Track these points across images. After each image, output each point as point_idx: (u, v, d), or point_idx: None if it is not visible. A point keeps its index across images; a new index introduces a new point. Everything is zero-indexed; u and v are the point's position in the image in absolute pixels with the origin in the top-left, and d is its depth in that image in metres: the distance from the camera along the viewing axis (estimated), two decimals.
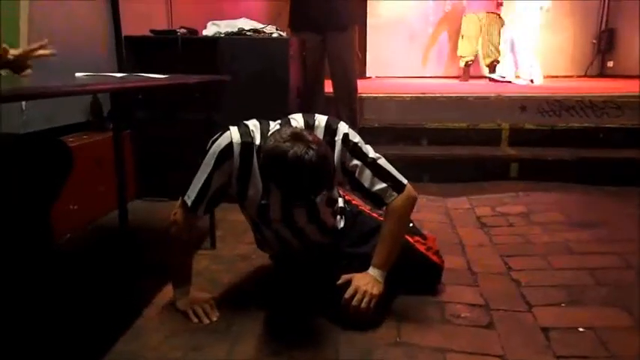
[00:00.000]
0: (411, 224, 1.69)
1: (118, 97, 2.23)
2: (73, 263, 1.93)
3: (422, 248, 1.68)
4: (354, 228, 1.69)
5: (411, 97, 3.63)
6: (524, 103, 3.46)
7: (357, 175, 1.44)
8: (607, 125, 3.31)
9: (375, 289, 1.45)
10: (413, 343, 1.41)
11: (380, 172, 1.46)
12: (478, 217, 2.53)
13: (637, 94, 3.48)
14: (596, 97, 3.42)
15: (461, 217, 2.54)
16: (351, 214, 1.72)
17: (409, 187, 1.49)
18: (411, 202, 1.50)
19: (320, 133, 1.40)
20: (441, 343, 1.41)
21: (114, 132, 2.06)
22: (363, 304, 1.43)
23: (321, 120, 1.44)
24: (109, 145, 2.21)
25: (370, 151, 1.46)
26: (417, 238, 1.71)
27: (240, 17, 2.84)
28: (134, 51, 2.65)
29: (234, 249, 2.12)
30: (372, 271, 1.49)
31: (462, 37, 5.19)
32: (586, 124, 3.34)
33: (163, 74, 1.81)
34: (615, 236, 2.20)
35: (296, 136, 1.23)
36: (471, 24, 5.08)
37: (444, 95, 3.69)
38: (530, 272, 1.87)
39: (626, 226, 2.32)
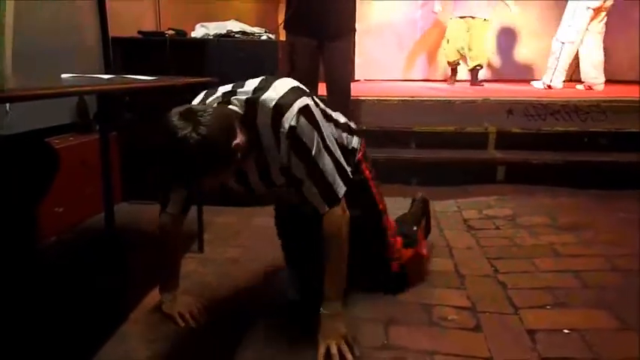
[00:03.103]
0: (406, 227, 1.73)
1: (105, 99, 2.21)
2: (58, 266, 1.91)
3: (390, 253, 1.68)
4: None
5: (399, 100, 3.65)
6: (511, 107, 3.49)
7: (293, 171, 1.30)
8: (591, 129, 3.35)
9: (342, 330, 1.36)
10: (401, 346, 1.42)
11: (315, 176, 1.30)
12: (465, 220, 2.55)
13: (620, 98, 3.54)
14: (580, 102, 3.46)
15: (448, 220, 2.56)
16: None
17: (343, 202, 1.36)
18: (346, 220, 1.36)
19: (266, 115, 1.26)
20: (429, 345, 1.41)
21: (100, 134, 2.03)
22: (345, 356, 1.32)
23: (271, 98, 1.26)
24: (95, 147, 2.18)
25: (314, 146, 1.28)
26: (398, 241, 1.71)
27: (230, 19, 2.83)
28: (122, 52, 2.63)
29: (222, 252, 2.11)
30: (327, 308, 1.37)
31: (448, 40, 5.16)
32: (571, 128, 3.38)
33: (151, 76, 1.80)
34: (600, 239, 2.24)
35: (188, 114, 1.12)
36: (456, 27, 5.05)
37: (432, 99, 3.71)
38: (517, 275, 1.89)
39: (610, 229, 2.36)
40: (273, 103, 1.25)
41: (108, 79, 1.62)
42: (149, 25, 3.17)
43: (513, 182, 3.10)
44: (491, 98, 3.60)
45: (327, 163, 1.31)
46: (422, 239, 1.86)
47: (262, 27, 2.87)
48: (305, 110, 1.26)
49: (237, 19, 2.87)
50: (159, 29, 3.08)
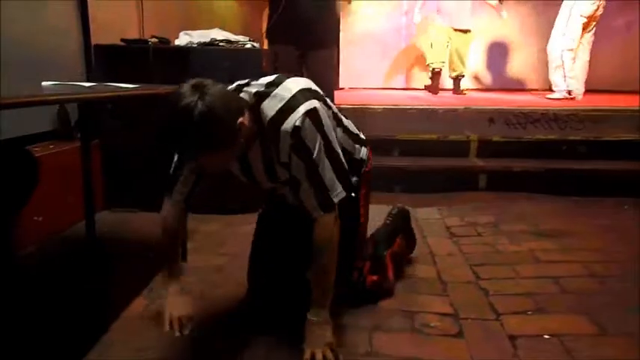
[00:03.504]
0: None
1: (86, 106, 2.19)
2: (38, 276, 1.87)
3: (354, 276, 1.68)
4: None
5: (382, 108, 3.69)
6: (492, 116, 3.55)
7: (293, 172, 1.32)
8: (570, 137, 3.42)
9: (328, 338, 1.35)
10: (385, 353, 1.42)
11: (313, 179, 1.31)
12: (448, 227, 2.58)
13: (598, 107, 3.63)
14: (560, 111, 3.54)
15: (431, 227, 2.58)
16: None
17: (334, 212, 1.36)
18: (338, 227, 1.36)
19: (272, 110, 1.29)
20: (412, 352, 1.42)
21: (81, 142, 2.01)
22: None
23: (281, 95, 1.30)
24: (77, 154, 2.16)
25: (316, 149, 1.29)
26: (366, 266, 1.70)
27: (214, 27, 2.83)
28: (104, 60, 2.61)
29: (207, 260, 2.10)
30: (315, 315, 1.36)
31: (432, 44, 5.07)
32: (551, 136, 3.45)
33: (134, 84, 1.79)
34: (579, 245, 2.28)
35: (198, 85, 1.14)
36: (440, 32, 5.00)
37: (415, 107, 3.75)
38: (498, 281, 1.91)
39: (589, 236, 2.41)
40: (283, 101, 1.28)
41: (89, 86, 1.61)
42: (133, 33, 3.15)
43: (495, 190, 3.14)
44: (473, 107, 3.66)
45: (327, 167, 1.32)
46: (390, 264, 1.81)
47: (246, 35, 2.88)
48: (311, 113, 1.28)
49: (221, 28, 2.88)
50: (142, 37, 3.07)
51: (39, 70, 2.29)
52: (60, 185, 2.31)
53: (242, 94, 1.31)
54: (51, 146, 2.40)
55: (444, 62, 5.05)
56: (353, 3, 6.41)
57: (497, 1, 4.97)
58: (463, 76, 5.16)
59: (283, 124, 1.26)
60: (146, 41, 2.68)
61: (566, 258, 2.14)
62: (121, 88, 1.62)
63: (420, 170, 3.24)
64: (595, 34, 4.38)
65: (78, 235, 2.32)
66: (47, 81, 1.56)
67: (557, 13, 4.41)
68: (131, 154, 2.66)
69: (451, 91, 5.26)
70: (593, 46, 4.39)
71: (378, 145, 3.40)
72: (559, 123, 3.50)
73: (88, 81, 2.56)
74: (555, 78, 4.48)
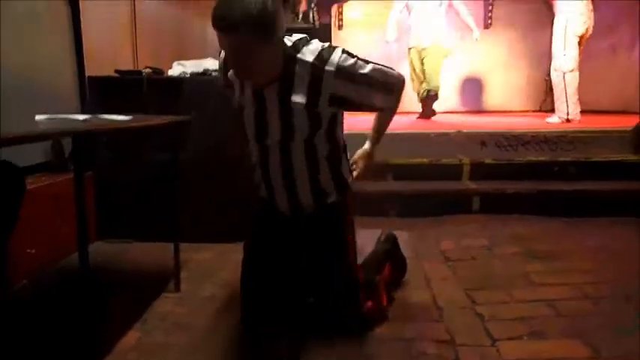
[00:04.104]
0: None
1: (80, 138, 2.21)
2: (30, 309, 1.86)
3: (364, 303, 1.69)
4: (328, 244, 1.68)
5: None
6: (484, 139, 3.59)
7: (351, 98, 1.49)
8: (561, 159, 3.46)
9: (367, 160, 1.83)
10: None
11: (372, 85, 1.51)
12: (442, 251, 2.58)
13: (587, 129, 3.68)
14: (550, 133, 3.59)
15: (426, 251, 2.59)
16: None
17: (400, 79, 1.63)
18: (402, 90, 1.66)
19: (311, 54, 1.44)
20: None
21: (75, 174, 2.02)
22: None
23: (317, 46, 1.47)
24: (70, 186, 2.17)
25: (363, 68, 1.48)
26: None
27: (207, 57, 2.88)
28: (98, 91, 2.64)
29: (200, 291, 2.09)
30: (368, 146, 1.85)
31: (414, 69, 4.91)
32: (542, 158, 3.49)
33: (128, 115, 1.81)
34: (571, 267, 2.29)
35: None
36: (413, 57, 4.87)
37: (407, 132, 3.80)
38: (493, 305, 1.91)
39: (581, 258, 2.42)
40: (320, 48, 1.45)
41: (83, 119, 1.62)
42: (127, 64, 3.19)
43: (488, 212, 3.16)
44: (465, 130, 3.70)
45: (372, 72, 1.50)
46: (382, 289, 1.82)
47: None
48: (348, 51, 1.47)
49: (214, 58, 2.92)
50: (136, 68, 3.11)
51: (33, 102, 2.31)
52: (53, 217, 2.31)
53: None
54: (44, 178, 2.40)
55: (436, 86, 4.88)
56: (344, 30, 6.58)
57: (472, 24, 4.87)
58: (436, 95, 4.88)
59: (324, 65, 1.42)
60: (140, 72, 2.72)
61: (559, 280, 2.14)
62: (115, 120, 1.64)
63: (414, 194, 3.26)
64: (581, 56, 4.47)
65: (72, 266, 2.31)
66: (41, 115, 1.57)
67: (543, 38, 4.49)
68: (124, 185, 2.67)
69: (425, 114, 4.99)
70: (580, 67, 4.45)
71: (372, 170, 3.45)
72: (549, 145, 3.54)
73: (82, 112, 2.59)
74: (558, 103, 4.43)
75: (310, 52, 1.43)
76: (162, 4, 3.63)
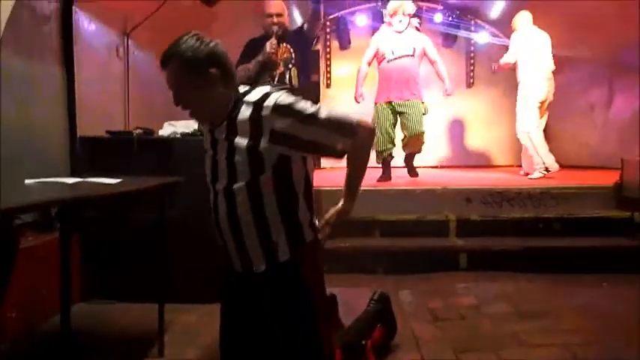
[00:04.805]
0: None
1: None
2: None
3: None
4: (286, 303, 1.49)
5: (362, 190, 3.75)
6: (469, 195, 3.65)
7: (297, 135, 1.38)
8: (545, 215, 3.52)
9: (338, 218, 1.60)
10: None
11: (323, 125, 1.40)
12: (431, 310, 2.57)
13: (569, 185, 3.76)
14: (533, 189, 3.66)
15: (414, 309, 2.57)
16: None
17: (361, 124, 1.46)
18: (367, 137, 1.50)
19: (255, 95, 1.42)
20: None
21: (61, 235, 2.01)
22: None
23: (265, 89, 1.44)
24: (56, 246, 2.15)
25: (308, 107, 1.40)
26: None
27: None
28: (89, 151, 2.68)
29: (183, 354, 2.04)
30: (341, 204, 1.61)
31: (379, 127, 4.29)
32: (526, 215, 3.54)
33: (118, 175, 1.84)
34: (559, 326, 2.30)
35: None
36: (381, 111, 4.35)
37: (393, 188, 3.86)
38: None
39: (568, 316, 2.43)
40: (267, 90, 1.42)
41: (72, 183, 1.65)
42: (118, 124, 3.25)
43: (476, 269, 3.17)
44: (450, 187, 3.77)
45: (325, 112, 1.41)
46: (371, 354, 1.78)
47: None
48: (293, 93, 1.42)
49: None
50: (127, 128, 3.16)
51: (26, 159, 2.34)
52: (37, 278, 2.28)
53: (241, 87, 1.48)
54: (30, 238, 2.39)
55: (391, 146, 4.34)
56: (332, 88, 6.79)
57: (445, 75, 4.44)
58: (392, 156, 4.37)
59: (266, 101, 1.39)
60: (131, 133, 2.76)
61: (548, 340, 2.13)
62: (104, 184, 1.66)
63: (401, 251, 3.27)
64: (559, 112, 4.66)
65: (54, 328, 2.25)
66: (30, 179, 1.59)
67: None
68: (110, 246, 2.65)
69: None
70: (559, 123, 4.62)
71: (359, 227, 3.46)
72: (533, 201, 3.60)
73: (72, 172, 2.61)
74: (534, 159, 4.54)
75: (256, 93, 1.42)
76: (154, 64, 3.75)
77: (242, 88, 1.48)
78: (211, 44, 1.41)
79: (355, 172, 1.57)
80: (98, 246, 2.68)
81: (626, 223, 3.39)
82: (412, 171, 4.56)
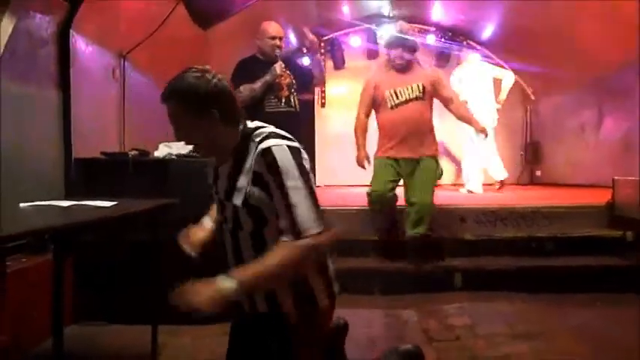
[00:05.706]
0: None
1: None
2: None
3: None
4: None
5: (357, 209, 3.78)
6: (463, 215, 3.67)
7: (269, 189, 1.29)
8: (538, 234, 3.54)
9: (203, 294, 1.28)
10: None
11: (286, 204, 1.26)
12: (425, 330, 2.56)
13: (561, 205, 3.79)
14: (525, 209, 3.69)
15: (409, 331, 2.57)
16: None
17: (313, 239, 1.25)
18: (304, 254, 1.27)
19: (259, 135, 1.35)
20: None
21: (54, 258, 2.00)
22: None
23: (270, 130, 1.38)
24: (48, 268, 2.14)
25: (290, 178, 1.27)
26: None
27: None
28: (85, 173, 2.68)
29: None
30: (222, 278, 1.27)
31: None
32: (519, 234, 3.56)
33: (114, 196, 1.84)
34: (553, 348, 2.30)
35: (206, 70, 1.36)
36: (380, 165, 3.47)
37: None
38: None
39: (562, 337, 2.43)
40: (273, 132, 1.37)
41: (66, 207, 1.65)
42: (113, 145, 3.26)
43: (470, 289, 3.17)
44: (445, 206, 3.78)
45: (303, 194, 1.28)
46: None
47: None
48: (293, 147, 1.32)
49: None
50: (123, 149, 3.17)
51: (20, 184, 2.34)
52: (29, 301, 2.26)
53: (249, 123, 1.43)
54: (23, 259, 2.37)
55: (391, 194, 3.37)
56: (327, 108, 6.86)
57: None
58: (429, 235, 3.31)
59: (264, 142, 1.32)
60: (126, 154, 2.77)
61: None
62: (98, 208, 1.67)
63: (397, 271, 3.27)
64: (550, 131, 4.72)
65: (46, 351, 2.22)
66: (25, 203, 1.60)
67: (517, 115, 4.79)
68: (103, 267, 2.64)
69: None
70: (550, 143, 4.67)
71: (355, 247, 3.46)
72: (526, 220, 3.62)
73: (67, 194, 2.61)
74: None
75: (260, 134, 1.36)
76: (150, 86, 3.78)
77: (251, 124, 1.41)
78: (213, 81, 1.33)
79: (272, 266, 1.25)
80: (91, 267, 2.66)
81: (617, 242, 3.41)
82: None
